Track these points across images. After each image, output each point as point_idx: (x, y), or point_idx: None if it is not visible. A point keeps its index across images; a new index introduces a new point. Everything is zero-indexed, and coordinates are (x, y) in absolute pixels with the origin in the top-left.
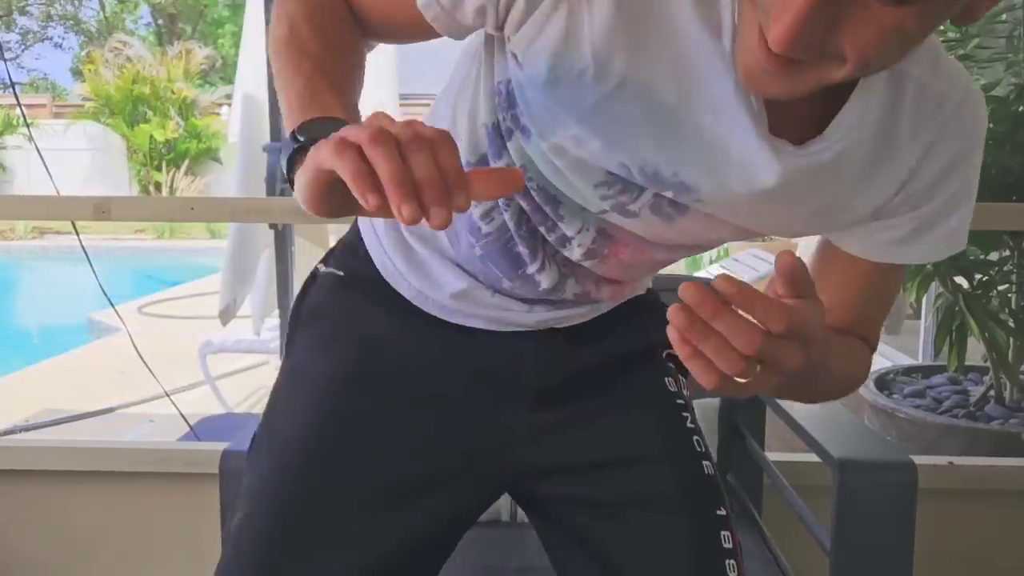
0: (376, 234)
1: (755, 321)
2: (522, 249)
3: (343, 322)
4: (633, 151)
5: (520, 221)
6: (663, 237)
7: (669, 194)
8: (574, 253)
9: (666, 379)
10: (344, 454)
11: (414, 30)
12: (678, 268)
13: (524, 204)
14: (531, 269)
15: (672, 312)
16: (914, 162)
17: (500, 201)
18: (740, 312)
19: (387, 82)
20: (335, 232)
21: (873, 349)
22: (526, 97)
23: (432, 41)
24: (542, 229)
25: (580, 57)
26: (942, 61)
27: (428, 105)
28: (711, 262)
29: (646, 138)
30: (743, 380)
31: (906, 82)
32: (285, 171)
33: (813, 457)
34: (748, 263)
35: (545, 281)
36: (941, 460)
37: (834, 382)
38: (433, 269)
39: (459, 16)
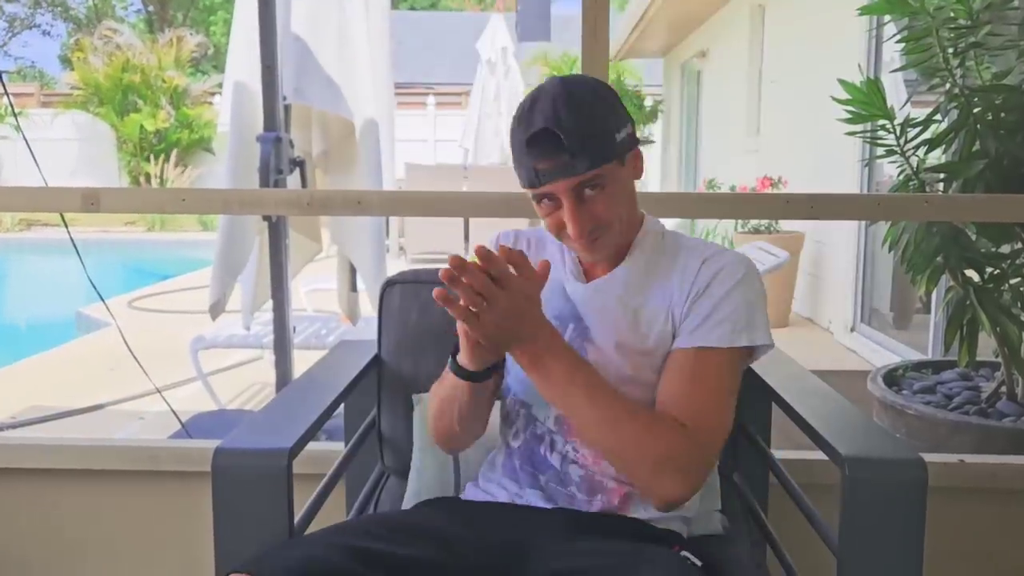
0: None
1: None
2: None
3: None
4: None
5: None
6: None
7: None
8: (558, 445)
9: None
10: None
11: None
12: None
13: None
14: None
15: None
16: (686, 284)
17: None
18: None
19: (381, 71)
20: (327, 225)
21: (691, 434)
22: None
23: (426, 30)
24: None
25: None
26: (708, 243)
27: (422, 93)
28: None
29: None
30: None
31: (671, 247)
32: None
33: (820, 455)
34: (753, 255)
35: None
36: (952, 458)
37: (605, 424)
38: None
39: None
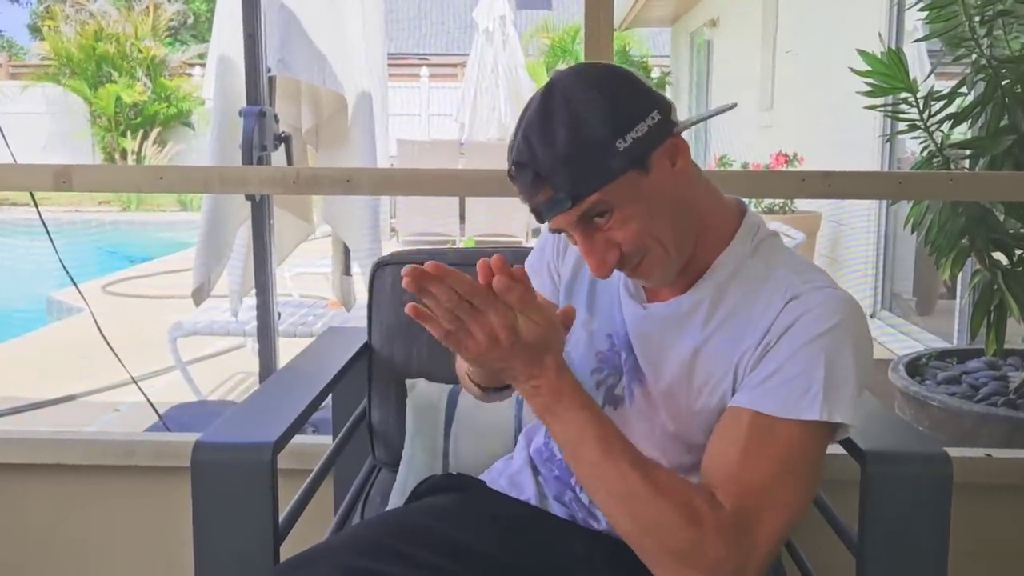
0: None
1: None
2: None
3: None
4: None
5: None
6: (636, 430)
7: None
8: None
9: None
10: None
11: None
12: None
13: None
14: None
15: (404, 280)
16: (761, 328)
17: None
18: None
19: (375, 41)
20: (318, 204)
21: (730, 524)
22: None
23: (419, 1)
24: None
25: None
26: (808, 272)
27: (415, 65)
28: None
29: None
30: (451, 330)
31: (759, 272)
32: None
33: (838, 449)
34: None
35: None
36: (978, 452)
37: (621, 500)
38: None
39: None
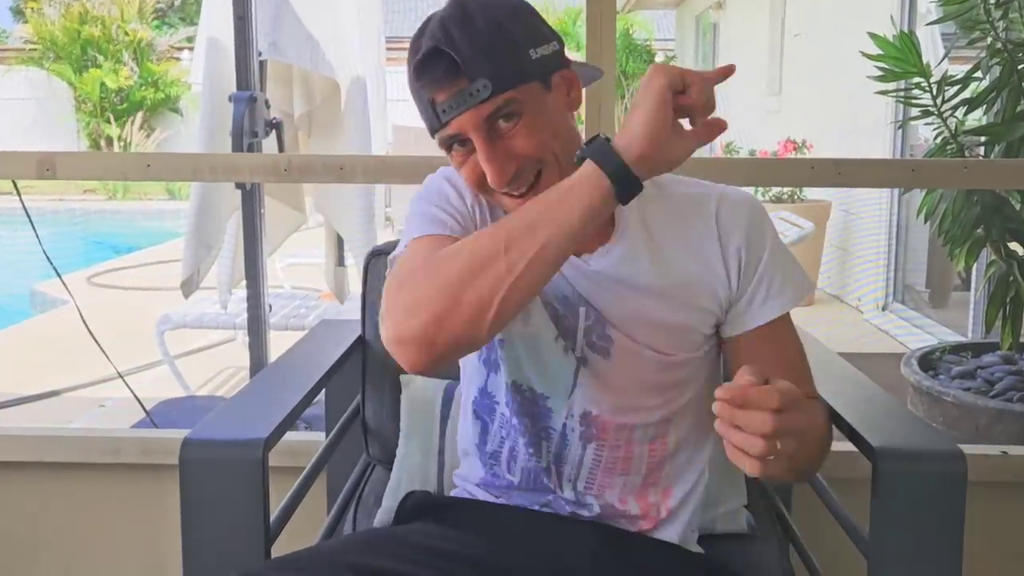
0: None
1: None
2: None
3: None
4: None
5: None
6: (620, 380)
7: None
8: (573, 443)
9: None
10: None
11: None
12: None
13: (521, 439)
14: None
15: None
16: (717, 233)
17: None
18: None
19: (371, 24)
20: (310, 192)
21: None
22: None
23: None
24: (544, 446)
25: None
26: (683, 180)
27: None
28: None
29: None
30: (772, 456)
31: (657, 194)
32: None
33: (849, 446)
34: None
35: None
36: (993, 450)
37: (821, 436)
38: None
39: None
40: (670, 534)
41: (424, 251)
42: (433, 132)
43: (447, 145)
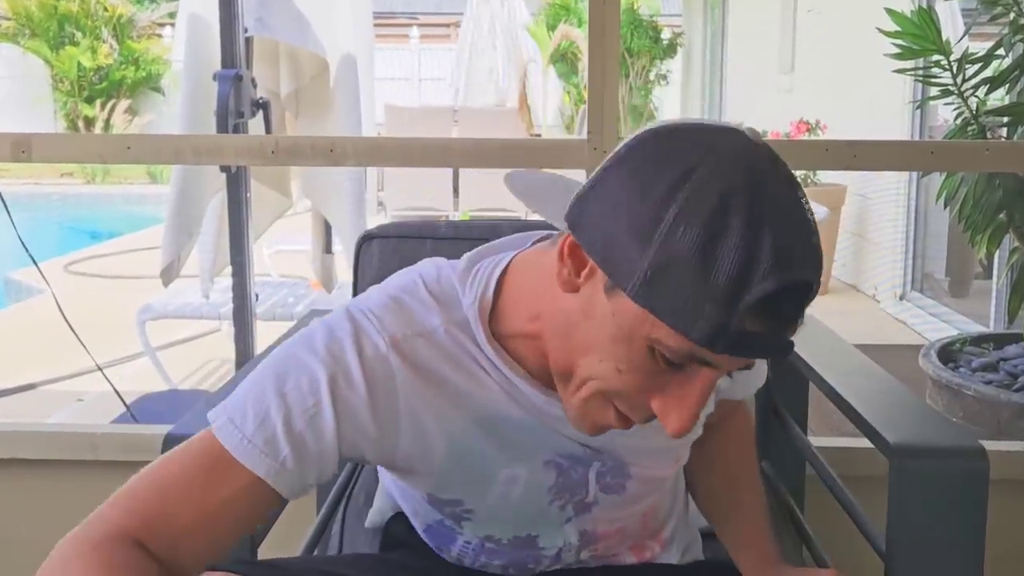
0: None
1: None
2: None
3: None
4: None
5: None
6: (632, 504)
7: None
8: (568, 553)
9: None
10: None
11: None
12: None
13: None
14: None
15: None
16: None
17: None
18: None
19: (360, 2)
20: (297, 175)
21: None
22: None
23: None
24: (530, 566)
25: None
26: None
27: (405, 24)
28: None
29: None
30: None
31: None
32: None
33: (864, 443)
34: None
35: None
36: (1016, 446)
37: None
38: None
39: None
40: (669, 558)
41: (196, 471)
42: (704, 345)
43: (671, 356)
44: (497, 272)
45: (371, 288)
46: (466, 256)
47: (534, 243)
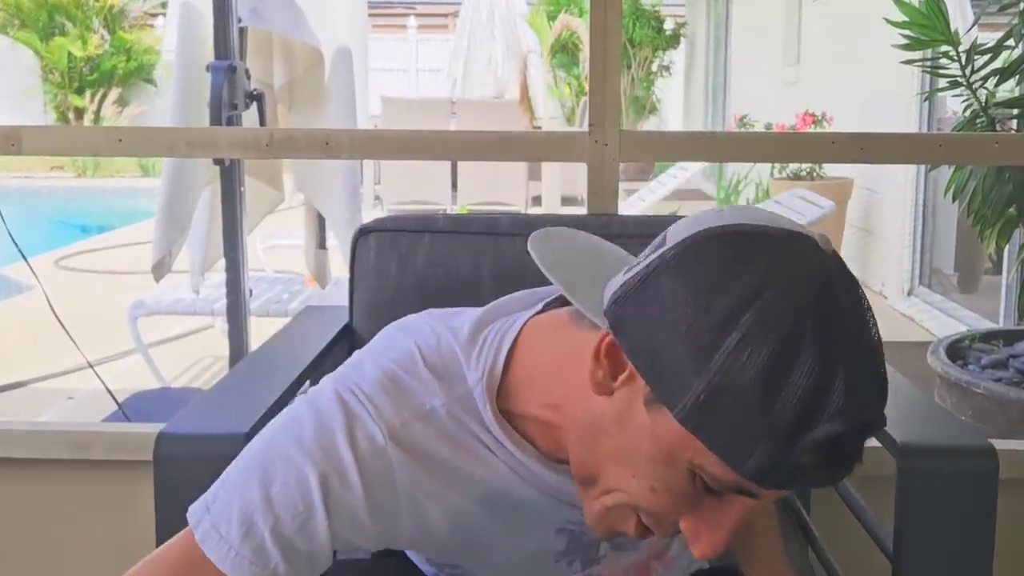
0: None
1: None
2: None
3: None
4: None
5: None
6: (645, 551)
7: None
8: None
9: None
10: None
11: None
12: None
13: None
14: None
15: None
16: None
17: None
18: None
19: None
20: (291, 168)
21: None
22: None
23: None
24: None
25: None
26: None
27: (401, 15)
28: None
29: None
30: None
31: None
32: None
33: (871, 441)
34: (792, 205)
35: None
36: None
37: None
38: None
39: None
40: (673, 573)
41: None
42: (753, 480)
43: (713, 484)
44: (506, 344)
45: (361, 355)
46: (469, 321)
47: (545, 305)
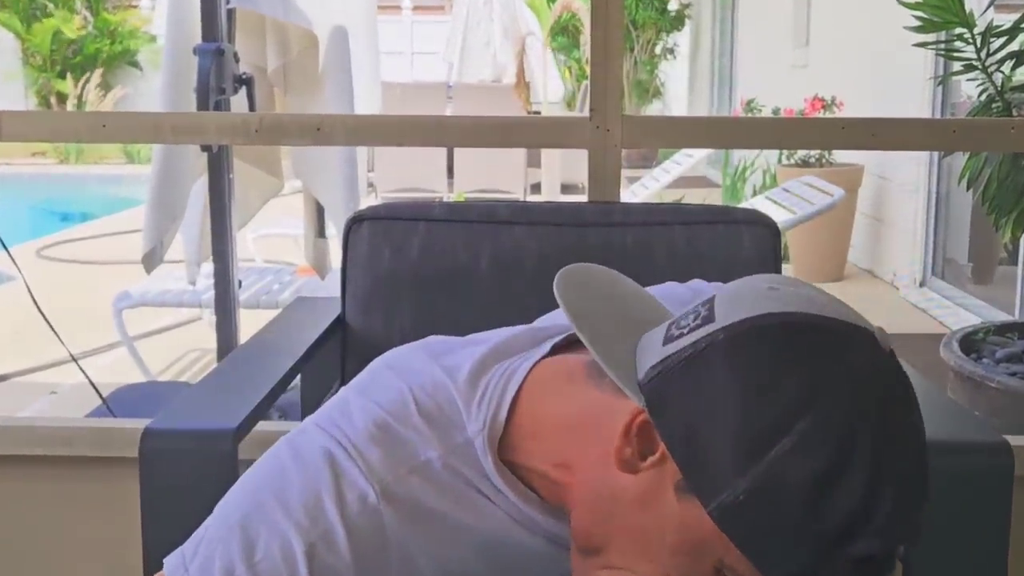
0: None
1: None
2: None
3: None
4: None
5: None
6: None
7: None
8: None
9: None
10: None
11: None
12: (716, 201)
13: None
14: None
15: None
16: None
17: None
18: None
19: None
20: (289, 155)
21: None
22: None
23: None
24: None
25: None
26: None
27: (396, 7)
28: (755, 193)
29: None
30: None
31: None
32: None
33: None
34: (800, 193)
35: None
36: None
37: None
38: None
39: None
40: None
41: None
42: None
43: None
44: (511, 391)
45: (348, 395)
46: (468, 362)
47: (552, 347)
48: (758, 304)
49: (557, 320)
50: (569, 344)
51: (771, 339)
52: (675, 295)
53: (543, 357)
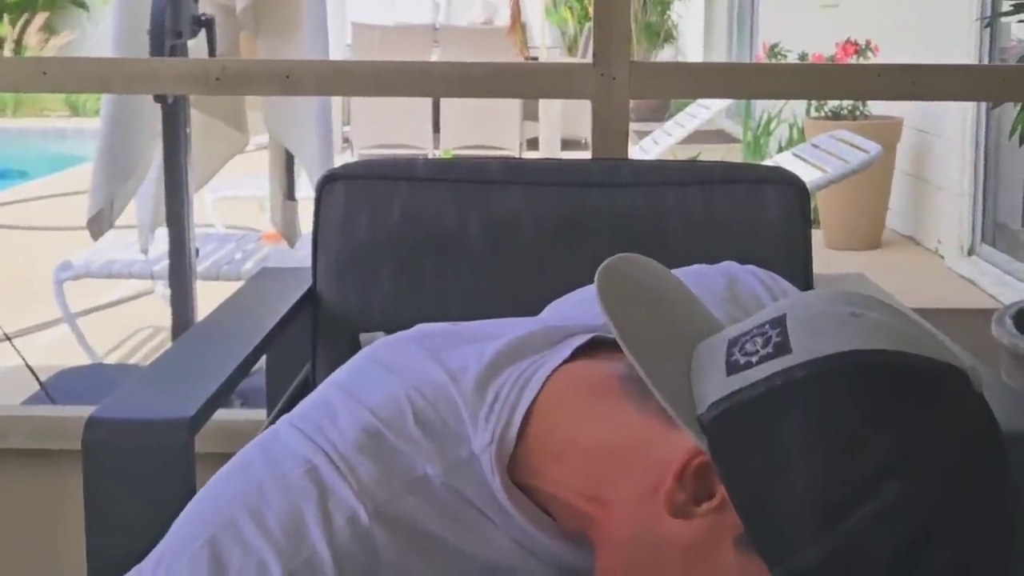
0: None
1: None
2: None
3: None
4: None
5: None
6: None
7: None
8: None
9: None
10: None
11: None
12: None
13: None
14: None
15: None
16: None
17: None
18: None
19: None
20: (254, 106)
21: None
22: None
23: None
24: None
25: None
26: None
27: None
28: (780, 150)
29: None
30: None
31: None
32: None
33: None
34: (831, 148)
35: None
36: None
37: None
38: None
39: None
40: None
41: None
42: None
43: None
44: (525, 401)
45: (330, 393)
46: (475, 364)
47: (575, 348)
48: (841, 336)
49: (573, 313)
50: (593, 345)
51: (860, 385)
52: (708, 285)
53: (564, 362)
